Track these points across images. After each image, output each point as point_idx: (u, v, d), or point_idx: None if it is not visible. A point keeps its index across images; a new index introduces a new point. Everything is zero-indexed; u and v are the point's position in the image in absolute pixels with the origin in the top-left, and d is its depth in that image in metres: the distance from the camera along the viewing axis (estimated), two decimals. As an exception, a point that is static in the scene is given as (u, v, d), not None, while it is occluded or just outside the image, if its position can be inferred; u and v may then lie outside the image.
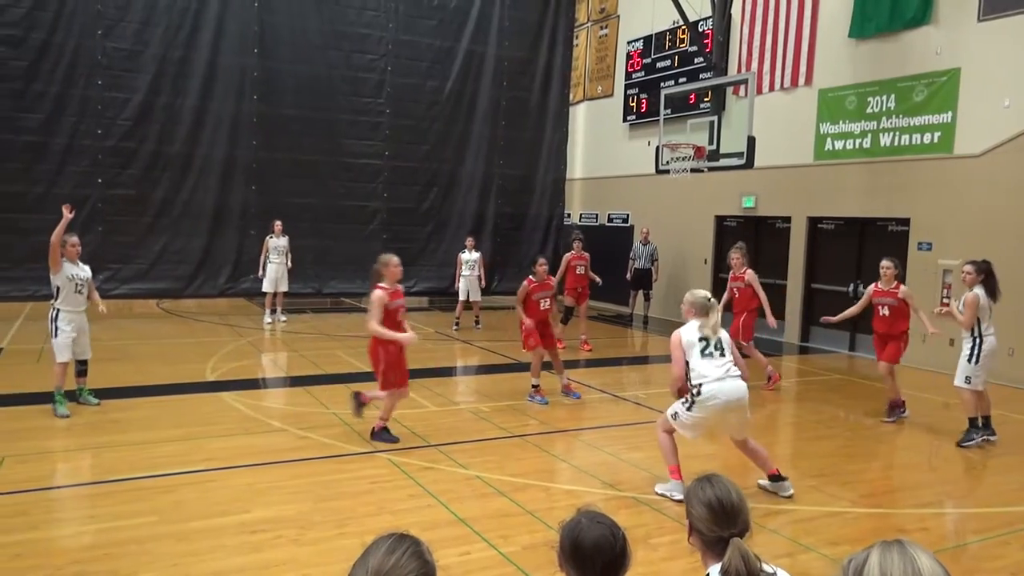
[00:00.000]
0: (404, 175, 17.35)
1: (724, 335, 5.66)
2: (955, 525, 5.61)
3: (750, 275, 9.81)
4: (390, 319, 6.80)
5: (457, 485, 5.73)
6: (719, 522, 2.24)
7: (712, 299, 5.69)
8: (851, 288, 12.87)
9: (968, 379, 7.36)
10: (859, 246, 12.90)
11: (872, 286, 8.66)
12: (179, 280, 15.34)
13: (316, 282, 16.57)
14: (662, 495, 5.66)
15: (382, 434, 6.81)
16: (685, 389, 5.55)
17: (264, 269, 13.93)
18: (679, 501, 5.40)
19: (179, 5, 14.96)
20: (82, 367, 7.87)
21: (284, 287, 14.07)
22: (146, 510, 5.03)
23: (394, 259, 6.96)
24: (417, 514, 5.10)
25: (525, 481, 5.87)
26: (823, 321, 9.45)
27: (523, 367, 10.76)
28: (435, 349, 12.46)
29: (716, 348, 5.55)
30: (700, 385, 5.46)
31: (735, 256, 9.96)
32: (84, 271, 7.93)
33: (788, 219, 13.95)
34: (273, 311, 13.96)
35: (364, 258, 16.92)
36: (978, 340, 7.38)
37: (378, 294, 6.75)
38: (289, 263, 14.08)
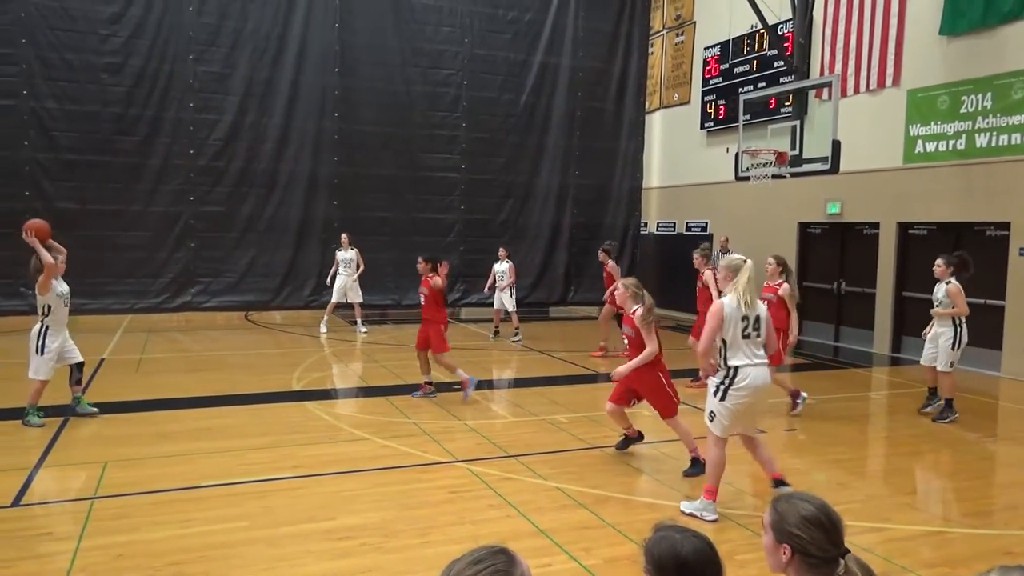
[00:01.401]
0: (480, 187, 17.52)
1: (762, 310, 5.36)
2: (1068, 548, 5.26)
3: (707, 275, 9.84)
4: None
5: (537, 496, 5.71)
6: (833, 538, 2.11)
7: (748, 261, 5.37)
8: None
9: (951, 364, 8.32)
10: (955, 252, 12.28)
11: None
12: (266, 292, 15.88)
13: (396, 294, 16.87)
14: (689, 515, 5.33)
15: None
16: (715, 367, 5.29)
17: (333, 280, 14.48)
18: (711, 522, 5.24)
19: (264, 29, 15.57)
20: (78, 375, 7.85)
21: (357, 298, 14.45)
22: (238, 515, 5.20)
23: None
24: (498, 524, 5.11)
25: (606, 493, 5.81)
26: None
27: (602, 378, 10.70)
28: (511, 360, 12.49)
29: (755, 328, 5.25)
30: (736, 368, 5.19)
31: (695, 257, 10.20)
32: (64, 285, 7.74)
33: (876, 225, 13.44)
34: (339, 319, 14.45)
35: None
36: (959, 328, 8.32)
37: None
38: (355, 275, 14.48)
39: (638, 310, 6.37)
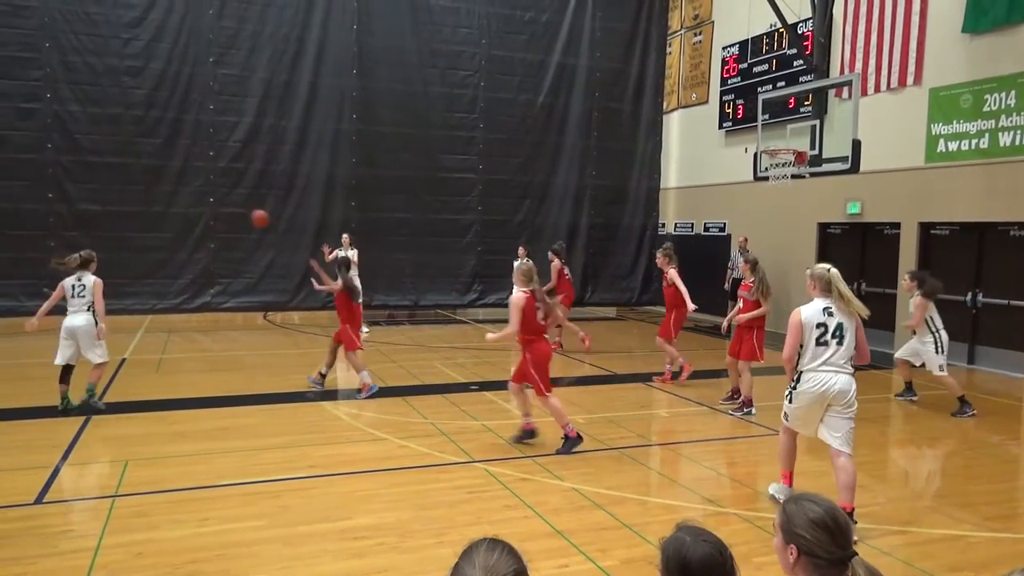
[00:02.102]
0: (498, 188, 17.53)
1: (847, 320, 5.22)
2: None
3: (672, 274, 10.11)
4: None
5: (553, 497, 5.70)
6: (838, 541, 2.10)
7: (833, 269, 5.34)
8: (969, 297, 12.13)
9: (942, 367, 8.95)
10: (978, 252, 12.14)
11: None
12: (284, 293, 15.97)
13: (413, 294, 16.93)
14: (772, 495, 5.74)
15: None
16: (792, 372, 5.37)
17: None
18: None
19: (283, 32, 15.68)
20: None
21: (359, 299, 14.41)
22: (255, 514, 5.24)
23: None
24: (514, 525, 5.10)
25: (622, 494, 5.78)
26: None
27: (620, 379, 10.66)
28: (529, 360, 12.47)
29: (834, 336, 5.19)
30: (801, 373, 5.27)
31: (658, 257, 10.50)
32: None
33: (897, 225, 13.28)
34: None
35: (459, 270, 17.27)
36: (937, 335, 9.10)
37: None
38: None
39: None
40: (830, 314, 5.22)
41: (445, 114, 16.97)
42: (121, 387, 9.37)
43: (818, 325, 5.21)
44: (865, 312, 5.24)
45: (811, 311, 5.27)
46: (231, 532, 4.91)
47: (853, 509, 5.09)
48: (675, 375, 10.37)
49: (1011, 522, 5.58)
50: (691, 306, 10.05)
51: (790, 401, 5.39)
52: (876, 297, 13.89)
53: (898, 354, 9.68)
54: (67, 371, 8.13)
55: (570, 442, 6.87)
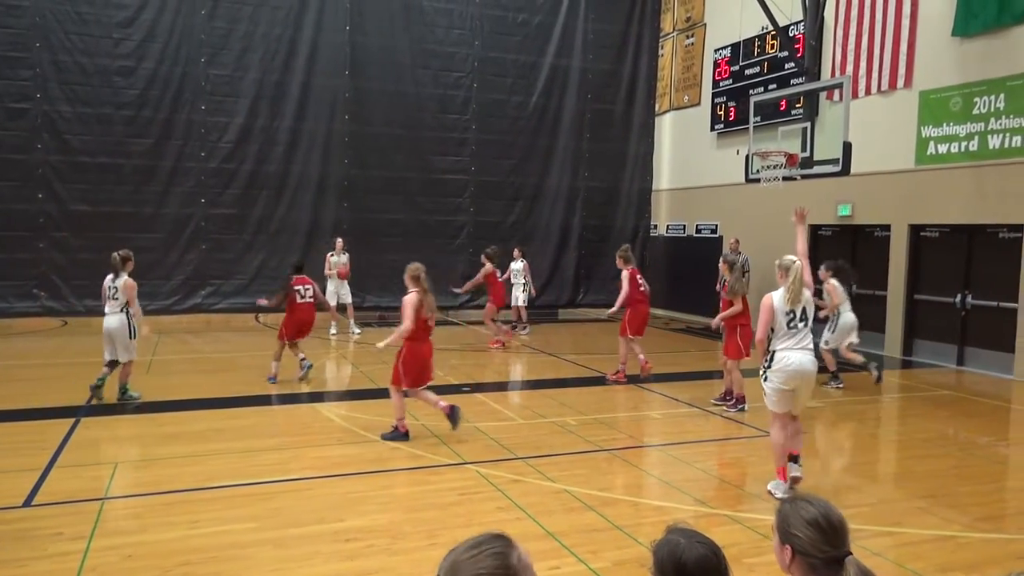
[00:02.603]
0: (490, 189, 17.54)
1: (809, 305, 5.93)
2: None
3: (624, 274, 10.63)
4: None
5: (545, 498, 5.70)
6: (831, 540, 2.11)
7: (797, 262, 5.92)
8: (958, 298, 12.20)
9: (827, 342, 10.17)
10: (967, 255, 12.21)
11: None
12: (276, 294, 15.89)
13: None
14: (770, 492, 5.92)
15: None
16: (765, 352, 5.98)
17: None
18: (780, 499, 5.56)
19: (275, 32, 15.65)
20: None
21: (349, 299, 14.38)
22: (247, 516, 5.22)
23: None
24: (506, 527, 5.07)
25: (614, 496, 5.79)
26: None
27: (612, 380, 10.67)
28: (520, 363, 12.48)
29: (802, 319, 5.87)
30: (774, 352, 5.86)
31: (617, 258, 11.08)
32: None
33: (887, 227, 13.35)
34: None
35: (452, 272, 17.25)
36: (836, 317, 10.26)
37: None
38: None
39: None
40: (792, 301, 5.86)
41: (437, 115, 16.97)
42: (111, 388, 9.32)
43: (788, 312, 5.83)
44: (810, 304, 5.94)
45: (779, 297, 5.88)
46: (223, 534, 4.90)
47: (797, 454, 5.95)
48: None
49: (1000, 523, 5.61)
50: (612, 309, 10.87)
51: (765, 380, 5.90)
52: (866, 299, 13.96)
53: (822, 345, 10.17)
54: (113, 363, 8.58)
55: (396, 434, 7.27)
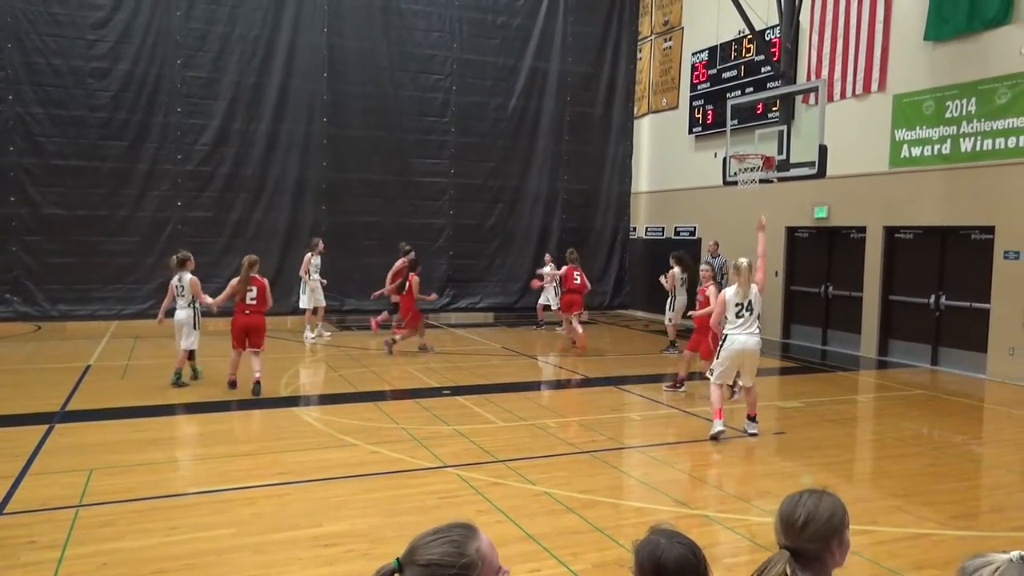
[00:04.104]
0: (470, 192, 17.53)
1: (755, 297, 7.50)
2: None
3: (563, 270, 13.93)
4: None
5: (526, 501, 5.70)
6: (783, 530, 2.24)
7: (746, 262, 7.51)
8: (932, 299, 12.37)
9: (670, 319, 12.82)
10: (940, 256, 12.39)
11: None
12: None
13: (385, 299, 16.81)
14: (716, 432, 7.42)
15: None
16: (719, 336, 7.69)
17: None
18: (715, 434, 7.41)
19: (252, 33, 15.54)
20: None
21: (323, 303, 14.34)
22: (225, 522, 5.17)
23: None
24: (486, 530, 5.02)
25: (594, 498, 5.80)
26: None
27: (592, 383, 10.71)
28: (501, 365, 12.49)
29: (747, 310, 7.49)
30: (726, 336, 7.54)
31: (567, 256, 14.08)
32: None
33: (863, 229, 13.52)
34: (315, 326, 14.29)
35: (432, 274, 17.22)
36: (674, 300, 12.77)
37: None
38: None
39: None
40: (738, 294, 7.50)
41: (416, 118, 16.94)
42: (86, 394, 9.20)
43: (736, 303, 7.50)
44: (756, 297, 7.51)
45: (731, 292, 7.55)
46: (200, 540, 4.84)
47: (755, 415, 7.76)
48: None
49: (974, 520, 5.70)
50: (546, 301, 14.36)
51: (717, 356, 7.65)
52: (842, 300, 14.13)
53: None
54: (191, 354, 9.79)
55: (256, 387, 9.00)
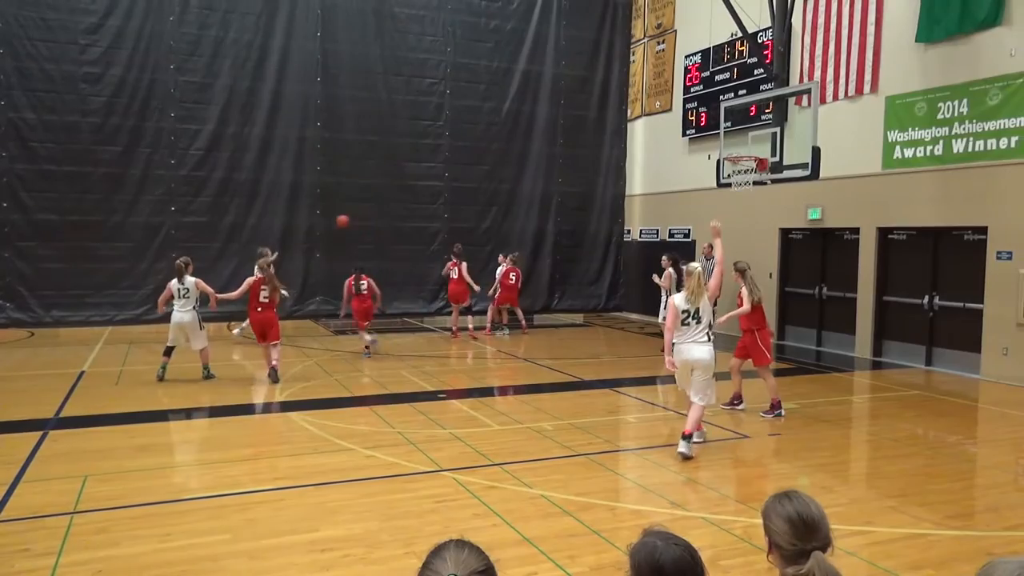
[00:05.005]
0: (464, 196, 17.54)
1: (705, 305, 7.06)
2: (1048, 549, 5.31)
3: (500, 270, 15.02)
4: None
5: (522, 504, 5.70)
6: (799, 535, 2.23)
7: (699, 267, 7.17)
8: (926, 300, 12.42)
9: (663, 318, 10.78)
10: (934, 256, 12.44)
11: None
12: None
13: (380, 303, 16.80)
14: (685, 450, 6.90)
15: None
16: (671, 341, 7.20)
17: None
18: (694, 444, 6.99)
19: (245, 38, 15.52)
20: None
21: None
22: (220, 528, 5.15)
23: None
24: (483, 533, 5.08)
25: (591, 500, 5.80)
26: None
27: (587, 385, 10.71)
28: (496, 368, 12.48)
29: (694, 318, 7.08)
30: (675, 344, 7.16)
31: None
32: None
33: (856, 230, 13.56)
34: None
35: (426, 278, 17.22)
36: (667, 295, 11.67)
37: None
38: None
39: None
40: (688, 301, 7.07)
41: (410, 122, 16.94)
42: (79, 401, 9.16)
43: (684, 311, 7.08)
44: (706, 306, 7.06)
45: (680, 298, 7.14)
46: (195, 547, 4.83)
47: (690, 433, 6.95)
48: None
49: (969, 520, 5.71)
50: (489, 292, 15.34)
51: (674, 365, 7.20)
52: (836, 301, 14.17)
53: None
54: (170, 350, 10.33)
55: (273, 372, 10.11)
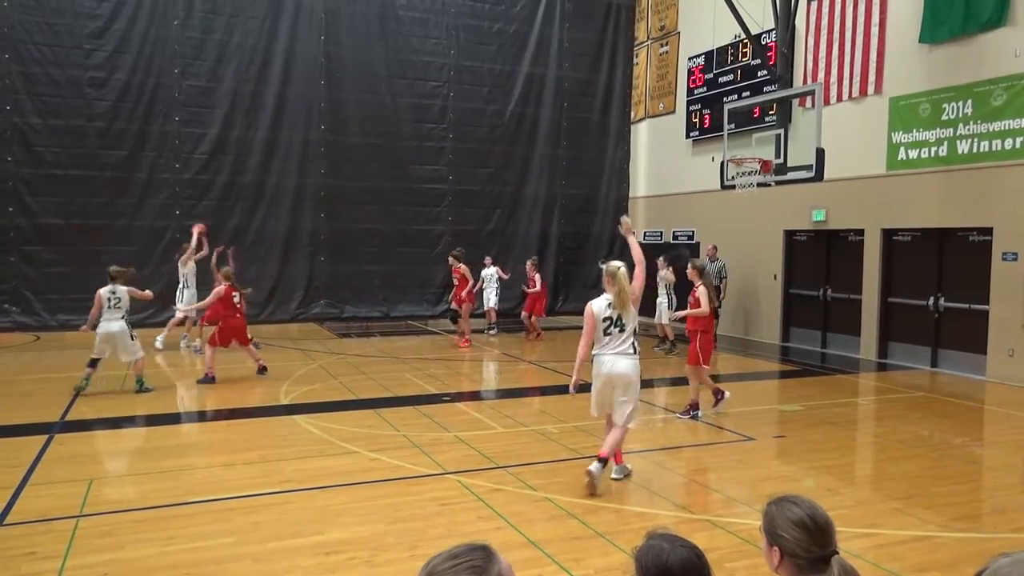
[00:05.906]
0: (468, 198, 17.56)
1: (630, 310, 6.04)
2: (1055, 551, 5.27)
3: (463, 269, 14.29)
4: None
5: (527, 507, 5.69)
6: (817, 540, 2.15)
7: (622, 268, 6.04)
8: (931, 301, 12.38)
9: (671, 319, 12.16)
10: (939, 257, 12.41)
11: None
12: (253, 306, 15.68)
13: (384, 305, 16.85)
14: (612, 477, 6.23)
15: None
16: (587, 357, 6.11)
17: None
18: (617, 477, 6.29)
19: (250, 42, 15.57)
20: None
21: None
22: (225, 531, 5.16)
23: None
24: (488, 536, 5.08)
25: (596, 503, 5.79)
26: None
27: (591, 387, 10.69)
28: (501, 370, 12.48)
29: (616, 326, 6.04)
30: (594, 356, 6.08)
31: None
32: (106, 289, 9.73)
33: (861, 232, 13.53)
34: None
35: (430, 281, 17.24)
36: (670, 297, 13.75)
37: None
38: None
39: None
40: (612, 307, 6.05)
41: (414, 124, 16.98)
42: (86, 404, 9.18)
43: (604, 319, 6.06)
44: (628, 312, 6.04)
45: (599, 305, 6.09)
46: (200, 550, 4.83)
47: (606, 456, 6.02)
48: None
49: (975, 522, 5.69)
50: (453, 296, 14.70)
51: (593, 385, 6.20)
52: (841, 303, 14.14)
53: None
54: (95, 362, 9.59)
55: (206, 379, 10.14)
